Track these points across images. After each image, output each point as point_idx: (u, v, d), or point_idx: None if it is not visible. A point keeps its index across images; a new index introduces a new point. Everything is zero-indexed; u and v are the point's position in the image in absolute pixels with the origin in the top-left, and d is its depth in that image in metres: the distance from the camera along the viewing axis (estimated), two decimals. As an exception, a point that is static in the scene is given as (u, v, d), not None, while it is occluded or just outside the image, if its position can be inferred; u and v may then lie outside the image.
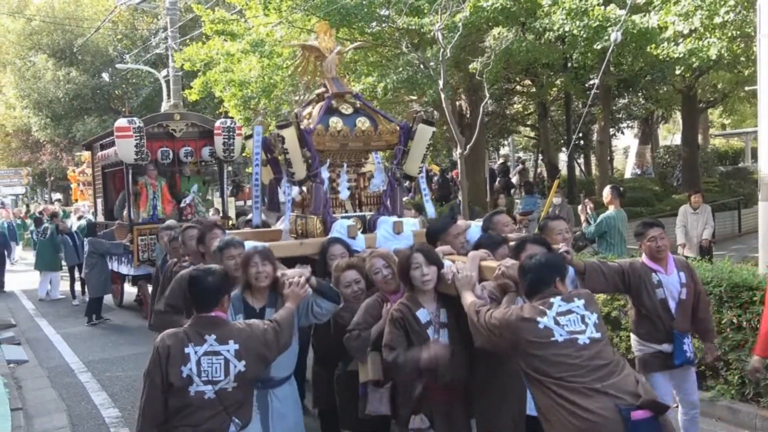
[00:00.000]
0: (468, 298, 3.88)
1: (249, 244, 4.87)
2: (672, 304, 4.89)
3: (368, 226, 5.83)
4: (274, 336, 3.86)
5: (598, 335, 3.45)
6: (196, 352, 3.64)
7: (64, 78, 28.04)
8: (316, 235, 5.67)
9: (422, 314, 4.07)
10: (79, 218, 16.40)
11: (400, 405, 4.20)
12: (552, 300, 3.50)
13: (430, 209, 6.80)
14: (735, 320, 6.11)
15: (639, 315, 5.01)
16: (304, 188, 5.91)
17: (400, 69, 13.57)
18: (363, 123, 5.86)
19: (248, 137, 6.83)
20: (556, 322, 3.43)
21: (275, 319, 3.97)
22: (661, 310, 4.88)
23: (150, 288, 9.86)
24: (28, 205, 34.13)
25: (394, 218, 5.75)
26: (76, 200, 20.60)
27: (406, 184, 6.45)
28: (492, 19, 12.33)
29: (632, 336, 5.15)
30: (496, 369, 4.04)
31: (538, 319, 3.44)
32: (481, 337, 3.69)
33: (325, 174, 5.75)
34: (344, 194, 5.90)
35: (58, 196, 35.75)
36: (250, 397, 3.92)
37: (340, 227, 5.50)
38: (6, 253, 17.03)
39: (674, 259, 5.04)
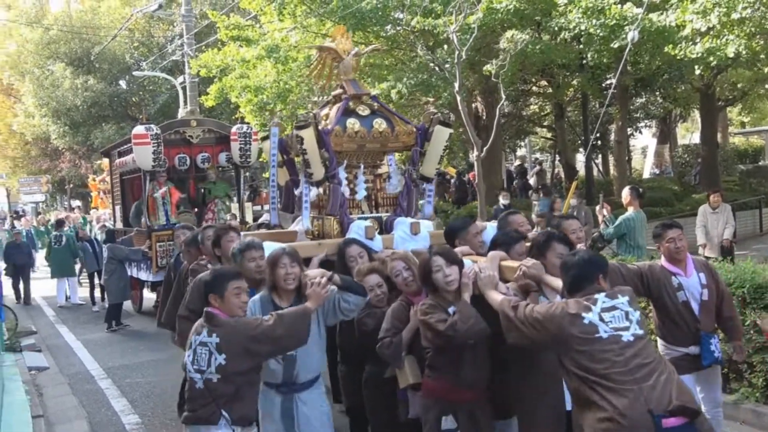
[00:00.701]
0: (497, 296, 3.86)
1: (266, 246, 4.87)
2: (695, 306, 4.84)
3: (385, 227, 5.81)
4: (269, 329, 3.91)
5: (641, 332, 3.44)
6: (195, 341, 3.97)
7: (81, 86, 28.25)
8: (333, 236, 5.67)
9: (452, 311, 4.04)
10: (102, 227, 16.41)
11: (426, 408, 4.19)
12: (596, 296, 3.48)
13: (429, 210, 6.73)
14: (759, 322, 6.01)
15: (662, 318, 4.97)
16: (321, 189, 5.91)
17: (415, 71, 13.55)
18: (380, 124, 5.87)
19: (264, 138, 6.83)
20: (601, 318, 3.41)
21: (279, 312, 4.03)
22: (684, 312, 4.83)
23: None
24: (38, 213, 34.24)
25: (411, 219, 5.74)
26: (96, 208, 20.72)
27: (423, 186, 6.42)
28: (506, 21, 12.29)
29: (658, 340, 5.09)
30: (531, 368, 4.01)
31: (583, 314, 3.42)
32: (517, 332, 3.64)
33: (342, 175, 5.75)
34: (361, 194, 5.89)
35: (77, 203, 36.05)
36: (246, 395, 3.95)
37: (357, 228, 5.50)
38: (31, 263, 16.64)
39: (693, 260, 5.00)
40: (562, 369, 3.54)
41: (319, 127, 5.63)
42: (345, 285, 4.24)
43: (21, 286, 15.68)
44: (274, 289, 4.34)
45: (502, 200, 13.82)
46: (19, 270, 15.65)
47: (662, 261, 4.97)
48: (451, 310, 4.02)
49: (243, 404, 3.93)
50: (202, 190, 13.02)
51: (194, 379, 3.93)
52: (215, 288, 4.02)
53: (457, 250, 4.72)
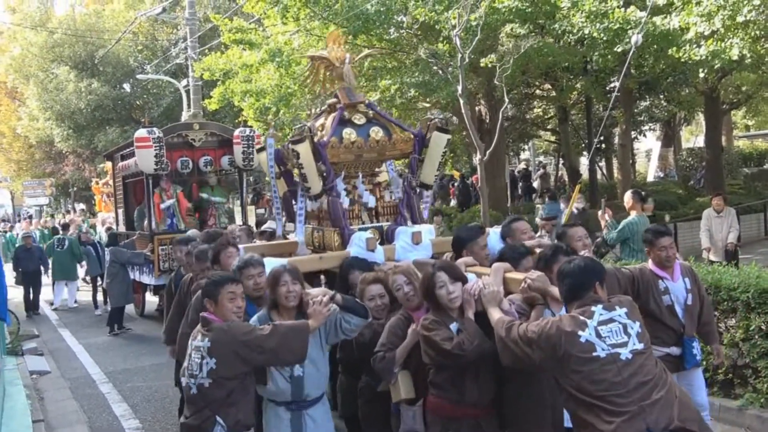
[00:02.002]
0: (495, 315, 3.79)
1: (267, 262, 4.83)
2: (679, 310, 5.02)
3: (386, 237, 5.75)
4: (261, 339, 3.89)
5: (640, 346, 3.35)
6: (191, 346, 3.99)
7: (85, 89, 28.29)
8: (334, 248, 5.61)
9: (453, 328, 4.00)
10: (108, 229, 16.33)
11: (431, 424, 4.14)
12: (593, 308, 3.39)
13: (425, 215, 6.66)
14: (764, 327, 5.97)
15: (646, 320, 4.99)
16: (319, 202, 5.85)
17: (417, 73, 13.52)
18: (377, 133, 5.81)
19: (260, 150, 6.80)
20: (598, 334, 3.32)
21: (276, 323, 4.02)
22: (668, 315, 4.99)
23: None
24: (30, 216, 34.04)
25: (413, 228, 5.67)
26: (100, 211, 20.73)
27: (425, 193, 6.37)
28: (508, 21, 12.27)
29: None
30: (529, 380, 3.95)
31: (579, 332, 3.32)
32: (511, 354, 3.57)
33: (340, 187, 5.68)
34: (371, 203, 5.84)
35: (81, 206, 36.09)
36: (239, 400, 3.93)
37: (358, 240, 5.43)
38: (43, 269, 15.61)
39: (680, 266, 5.18)
40: (560, 391, 3.47)
41: (315, 140, 5.57)
42: (347, 305, 4.20)
43: (31, 294, 14.89)
44: (275, 308, 4.29)
45: (577, 203, 12.15)
46: (30, 277, 14.86)
47: (650, 265, 5.13)
48: (452, 326, 3.96)
49: (237, 410, 3.91)
50: (204, 195, 12.97)
51: (189, 385, 3.93)
52: (210, 293, 4.06)
53: (462, 260, 4.67)
